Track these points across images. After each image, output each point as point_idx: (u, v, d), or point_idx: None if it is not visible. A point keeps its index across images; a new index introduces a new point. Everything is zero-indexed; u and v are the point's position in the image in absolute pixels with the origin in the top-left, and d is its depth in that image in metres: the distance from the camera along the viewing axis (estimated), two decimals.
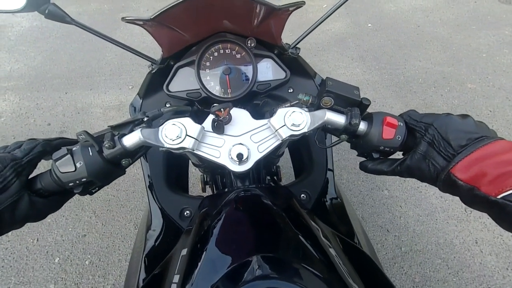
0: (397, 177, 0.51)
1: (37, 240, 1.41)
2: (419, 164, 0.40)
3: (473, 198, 0.36)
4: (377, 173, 0.46)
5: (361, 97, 0.46)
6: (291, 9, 0.53)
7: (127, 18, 0.50)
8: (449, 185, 0.38)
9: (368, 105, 0.46)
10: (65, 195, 0.44)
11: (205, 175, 0.93)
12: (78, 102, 2.15)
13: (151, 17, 0.49)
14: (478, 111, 1.92)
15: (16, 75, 2.40)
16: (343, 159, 1.72)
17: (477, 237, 1.37)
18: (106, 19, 3.06)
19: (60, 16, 0.50)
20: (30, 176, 0.42)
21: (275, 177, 0.91)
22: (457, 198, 0.38)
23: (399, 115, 0.46)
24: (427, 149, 0.40)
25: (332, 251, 0.40)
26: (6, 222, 0.38)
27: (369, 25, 2.74)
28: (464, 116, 0.40)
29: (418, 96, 2.07)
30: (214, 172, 0.87)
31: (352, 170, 1.67)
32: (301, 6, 0.54)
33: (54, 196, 0.43)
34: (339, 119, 0.45)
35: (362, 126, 0.45)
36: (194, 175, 1.58)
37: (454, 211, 1.47)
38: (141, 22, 0.51)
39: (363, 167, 0.48)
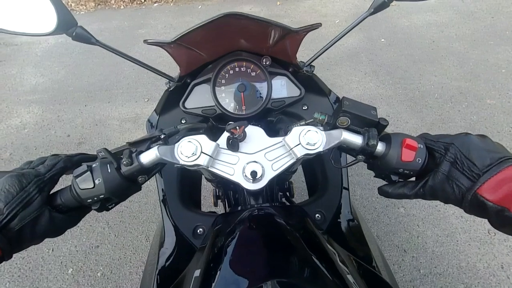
0: None
1: (53, 250, 1.45)
2: (443, 185, 0.39)
3: (504, 220, 0.34)
4: (399, 197, 0.44)
5: (378, 117, 0.45)
6: (307, 30, 0.54)
7: (148, 40, 0.52)
8: (476, 206, 0.36)
9: (386, 125, 0.45)
10: (83, 211, 0.45)
11: (217, 190, 0.94)
12: (96, 114, 2.25)
13: (172, 40, 0.51)
14: (498, 128, 1.87)
15: (40, 89, 2.55)
16: (357, 174, 1.70)
17: (503, 262, 1.30)
18: (126, 35, 3.23)
19: (86, 38, 0.52)
20: (51, 192, 0.43)
21: (287, 193, 0.90)
22: (479, 219, 0.37)
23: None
24: (449, 169, 0.38)
25: (350, 277, 0.38)
26: (26, 238, 0.39)
27: (382, 40, 2.76)
28: (482, 136, 0.40)
29: (434, 111, 2.04)
30: (227, 187, 0.88)
31: (366, 186, 1.64)
32: (317, 28, 0.54)
33: (73, 212, 0.44)
34: (356, 140, 0.44)
35: (380, 147, 0.43)
36: (206, 187, 1.59)
37: (476, 233, 1.41)
38: (161, 45, 0.53)
39: (383, 192, 0.46)
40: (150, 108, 2.27)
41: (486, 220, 0.38)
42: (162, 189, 0.68)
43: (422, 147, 0.42)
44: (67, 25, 0.50)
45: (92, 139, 2.05)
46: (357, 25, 0.61)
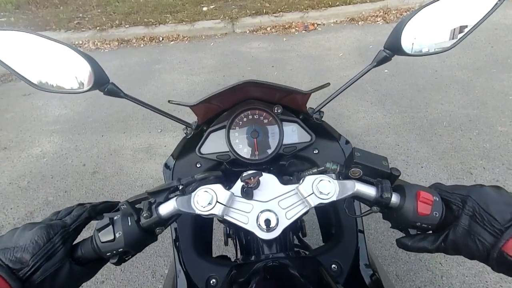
0: None
1: None
2: (464, 240, 0.37)
3: None
4: (420, 251, 0.42)
5: (390, 167, 0.44)
6: (317, 89, 0.56)
7: (173, 101, 0.55)
8: (503, 264, 0.34)
9: (398, 176, 0.44)
10: (100, 263, 0.45)
11: (228, 228, 0.90)
12: (111, 144, 2.25)
13: (194, 104, 0.54)
14: None
15: (62, 120, 2.61)
16: None
17: None
18: (144, 70, 3.35)
19: (116, 93, 0.56)
20: (74, 243, 0.43)
21: (300, 233, 0.86)
22: None
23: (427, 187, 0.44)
24: (469, 223, 0.37)
25: None
26: None
27: (386, 70, 2.75)
28: (497, 187, 0.39)
29: (445, 140, 1.93)
30: (239, 231, 0.83)
31: (379, 219, 1.51)
32: (327, 87, 0.55)
33: (91, 264, 0.43)
34: (369, 191, 0.43)
35: (394, 199, 0.42)
36: (215, 220, 1.50)
37: None
38: (183, 105, 0.57)
39: (402, 245, 0.44)
40: (162, 139, 2.26)
41: None
42: (175, 229, 0.66)
43: (438, 199, 0.40)
44: (101, 82, 0.53)
45: (105, 169, 2.03)
46: (361, 77, 0.62)
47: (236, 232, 0.86)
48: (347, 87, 0.65)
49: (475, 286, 1.21)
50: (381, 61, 0.60)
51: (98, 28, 4.27)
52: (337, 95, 0.66)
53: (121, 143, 2.25)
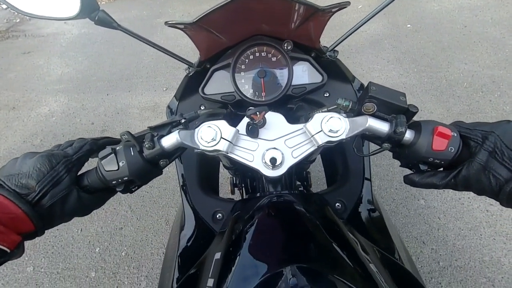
0: None
1: (81, 230, 1.58)
2: (478, 175, 0.37)
3: None
4: (427, 187, 0.43)
5: (407, 103, 0.43)
6: (334, 10, 0.52)
7: (170, 22, 0.52)
8: None
9: (416, 112, 0.43)
10: (108, 193, 0.47)
11: (234, 178, 0.96)
12: (117, 103, 2.36)
13: (193, 21, 0.50)
14: None
15: (66, 78, 2.70)
16: (375, 165, 1.69)
17: None
18: (144, 24, 3.32)
19: (108, 22, 0.53)
20: (79, 173, 0.45)
21: (305, 183, 0.91)
22: (506, 214, 0.36)
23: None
24: (487, 159, 0.37)
25: (372, 266, 0.38)
26: (56, 215, 0.41)
27: (408, 25, 2.65)
28: None
29: (462, 101, 1.96)
30: (245, 175, 0.89)
31: (384, 176, 1.63)
32: (346, 7, 0.52)
33: (99, 193, 0.46)
34: (382, 127, 0.43)
35: (408, 135, 0.42)
36: (222, 175, 1.65)
37: (502, 227, 1.37)
38: (182, 26, 0.53)
39: (409, 181, 0.45)
40: (168, 97, 2.35)
41: None
42: (182, 175, 0.69)
43: (456, 135, 0.40)
44: (90, 9, 0.50)
45: (114, 127, 2.17)
46: (383, 8, 0.59)
47: (242, 181, 0.92)
48: (366, 22, 0.61)
49: (470, 238, 1.36)
50: None
51: None
52: (354, 30, 0.62)
53: (126, 101, 2.36)
